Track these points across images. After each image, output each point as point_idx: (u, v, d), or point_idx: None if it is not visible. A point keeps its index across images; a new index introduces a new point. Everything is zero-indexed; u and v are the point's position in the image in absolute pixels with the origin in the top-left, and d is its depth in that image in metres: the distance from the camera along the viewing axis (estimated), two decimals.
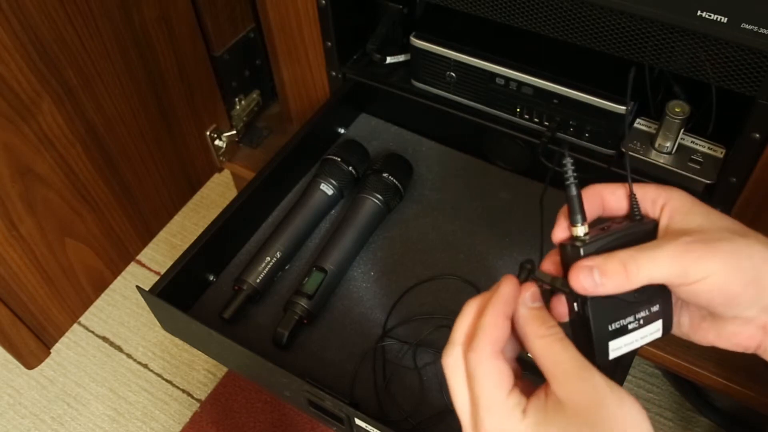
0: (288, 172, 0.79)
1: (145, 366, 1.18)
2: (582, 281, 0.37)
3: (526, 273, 0.40)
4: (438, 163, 0.83)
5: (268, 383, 0.63)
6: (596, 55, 0.65)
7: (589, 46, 0.64)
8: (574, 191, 0.38)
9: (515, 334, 0.39)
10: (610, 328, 0.38)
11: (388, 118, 0.87)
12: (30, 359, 0.82)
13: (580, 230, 0.38)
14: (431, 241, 0.75)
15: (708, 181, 0.67)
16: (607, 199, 0.41)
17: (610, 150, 0.72)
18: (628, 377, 1.10)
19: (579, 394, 0.35)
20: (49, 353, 0.84)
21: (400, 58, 0.83)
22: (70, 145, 0.77)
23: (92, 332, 1.23)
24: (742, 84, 0.58)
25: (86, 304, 0.87)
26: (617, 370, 0.59)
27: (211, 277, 0.72)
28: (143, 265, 1.31)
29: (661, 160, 0.69)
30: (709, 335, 0.41)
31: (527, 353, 0.39)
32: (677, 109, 0.66)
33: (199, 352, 0.77)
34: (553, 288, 0.40)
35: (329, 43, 0.81)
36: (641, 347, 0.40)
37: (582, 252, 0.37)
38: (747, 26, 0.52)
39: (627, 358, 0.63)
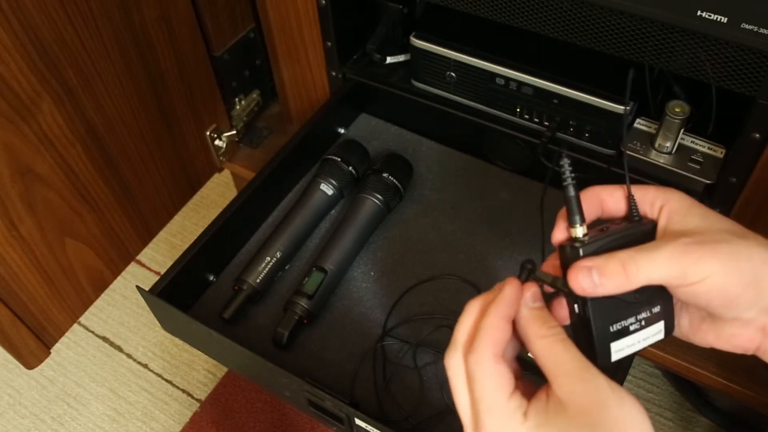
0: (288, 172, 0.79)
1: (145, 366, 1.18)
2: (581, 281, 0.37)
3: (527, 273, 0.40)
4: (438, 163, 0.83)
5: (268, 383, 0.63)
6: (596, 55, 0.65)
7: (589, 46, 0.63)
8: (572, 192, 0.38)
9: (516, 334, 0.39)
10: (611, 329, 0.38)
11: (388, 118, 0.87)
12: (30, 359, 0.82)
13: (579, 231, 0.38)
14: (431, 241, 0.75)
15: (708, 181, 0.67)
16: (605, 200, 0.41)
17: (610, 150, 0.72)
18: (628, 377, 1.10)
19: (580, 395, 0.35)
20: (49, 353, 0.84)
21: (400, 58, 0.83)
22: (70, 145, 0.77)
23: (92, 332, 1.23)
24: (742, 84, 0.58)
25: (86, 304, 0.87)
26: (617, 371, 0.59)
27: (211, 277, 0.72)
28: (143, 265, 1.31)
29: (661, 160, 0.69)
30: (708, 337, 0.41)
31: (528, 353, 0.39)
32: (677, 109, 0.66)
33: (199, 352, 0.77)
34: (553, 288, 0.40)
35: (329, 43, 0.81)
36: (644, 349, 0.40)
37: (581, 253, 0.37)
38: (747, 26, 0.52)
39: (627, 359, 0.63)
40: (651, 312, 0.39)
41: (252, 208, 0.75)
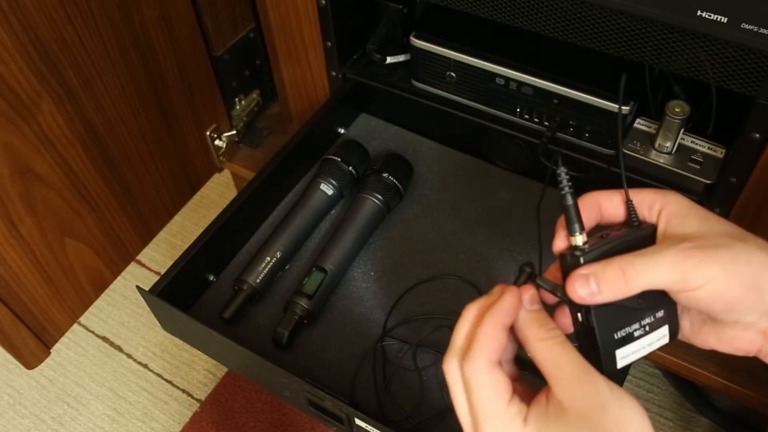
0: (288, 172, 0.79)
1: (145, 366, 1.18)
2: (578, 290, 0.36)
3: (526, 276, 0.39)
4: (438, 163, 0.83)
5: (268, 383, 0.63)
6: (596, 55, 0.64)
7: (589, 46, 0.63)
8: (570, 201, 0.38)
9: (515, 336, 0.39)
10: (615, 337, 0.38)
11: (388, 118, 0.87)
12: (30, 359, 0.82)
13: (579, 239, 0.38)
14: (431, 241, 0.75)
15: (708, 181, 0.67)
16: (604, 206, 0.41)
17: (610, 150, 0.72)
18: (628, 377, 1.10)
19: (580, 398, 0.35)
20: (49, 353, 0.84)
21: (400, 58, 0.82)
22: (70, 145, 0.77)
23: (92, 332, 1.23)
24: (742, 84, 0.58)
25: (86, 304, 0.87)
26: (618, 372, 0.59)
27: (211, 277, 0.72)
28: (143, 265, 1.31)
29: (661, 160, 0.69)
30: (709, 339, 0.41)
31: (527, 354, 0.39)
32: (677, 109, 0.66)
33: (199, 352, 0.77)
34: (555, 295, 0.39)
35: (329, 43, 0.81)
36: (649, 354, 0.40)
37: (582, 261, 0.37)
38: (747, 26, 0.52)
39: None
40: (655, 317, 0.39)
41: (252, 208, 0.75)
